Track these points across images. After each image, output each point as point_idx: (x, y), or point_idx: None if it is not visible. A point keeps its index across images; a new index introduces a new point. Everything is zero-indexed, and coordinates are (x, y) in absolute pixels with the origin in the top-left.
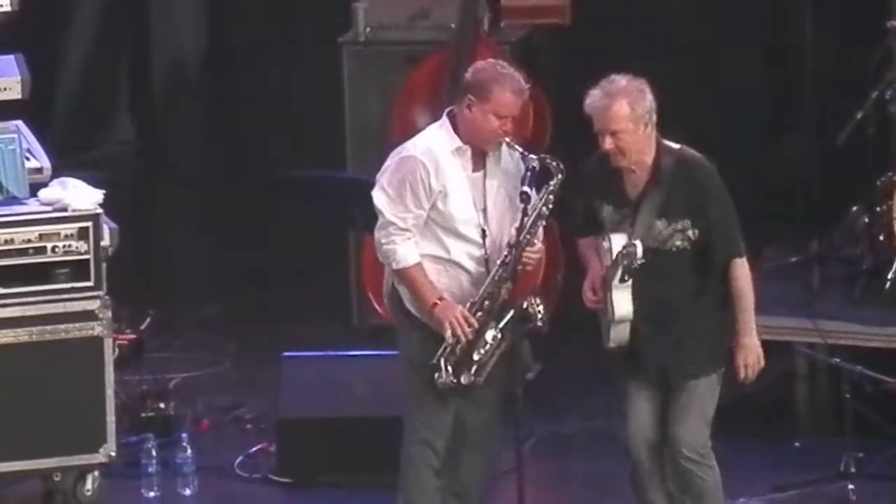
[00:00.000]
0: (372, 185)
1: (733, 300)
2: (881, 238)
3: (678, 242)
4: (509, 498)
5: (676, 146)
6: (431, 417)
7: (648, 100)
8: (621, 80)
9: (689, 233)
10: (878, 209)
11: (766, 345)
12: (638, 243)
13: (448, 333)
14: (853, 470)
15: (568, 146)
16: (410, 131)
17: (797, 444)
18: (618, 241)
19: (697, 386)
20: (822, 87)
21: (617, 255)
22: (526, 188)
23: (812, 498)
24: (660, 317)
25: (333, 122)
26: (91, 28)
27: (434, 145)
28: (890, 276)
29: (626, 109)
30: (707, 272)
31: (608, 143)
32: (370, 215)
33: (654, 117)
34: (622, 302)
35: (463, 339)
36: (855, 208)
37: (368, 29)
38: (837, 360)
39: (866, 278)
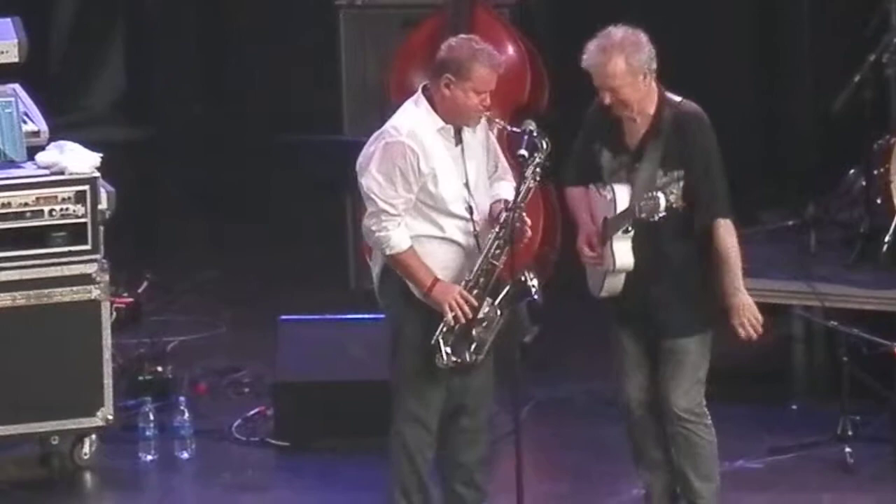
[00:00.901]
0: None
1: (720, 262)
2: (878, 201)
3: (671, 197)
4: (508, 462)
5: (678, 99)
6: (426, 396)
7: (646, 51)
8: (616, 34)
9: (681, 184)
10: (874, 172)
11: (762, 308)
12: (661, 195)
13: (449, 314)
14: (850, 433)
15: (565, 108)
16: (408, 95)
17: (794, 407)
18: (622, 192)
19: (687, 345)
20: (819, 50)
21: (632, 206)
22: (523, 151)
23: (809, 460)
24: (652, 274)
25: (330, 85)
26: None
27: (417, 127)
28: (887, 239)
29: (621, 65)
30: (700, 232)
31: (608, 98)
32: None
33: (654, 65)
34: (624, 252)
35: (462, 319)
36: (852, 171)
37: None
38: (834, 322)
39: (863, 241)
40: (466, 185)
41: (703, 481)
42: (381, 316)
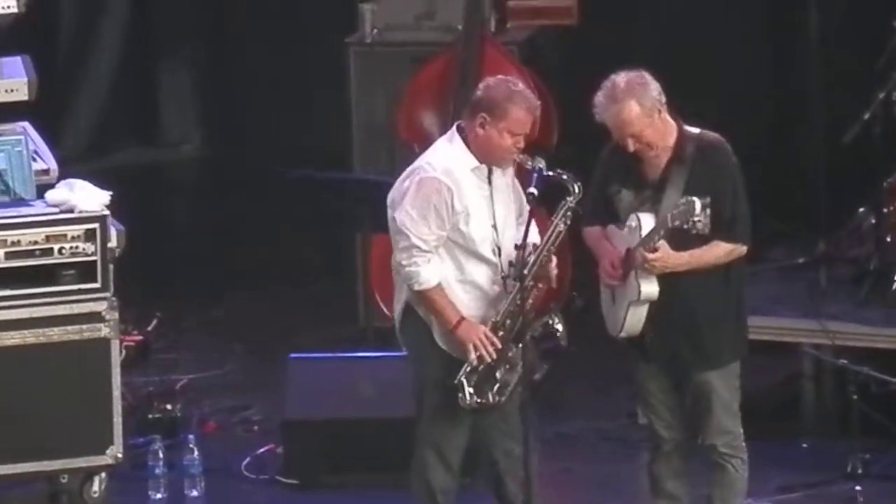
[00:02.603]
0: (379, 185)
1: (702, 250)
2: (888, 239)
3: (699, 224)
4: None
5: (697, 130)
6: (448, 435)
7: (653, 88)
8: (620, 81)
9: (708, 210)
10: (884, 210)
11: (772, 346)
12: (695, 199)
13: (472, 355)
14: (860, 471)
15: (575, 146)
16: (417, 132)
17: (804, 445)
18: (646, 219)
19: (716, 379)
20: (829, 87)
21: (662, 217)
22: (533, 189)
23: (818, 499)
24: (677, 304)
25: (340, 122)
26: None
27: (452, 165)
28: None
29: (636, 110)
30: (721, 268)
31: (633, 146)
32: (376, 216)
33: (664, 99)
34: (648, 281)
35: (487, 359)
36: (862, 209)
37: (375, 30)
38: (844, 360)
39: (873, 279)
40: (494, 226)
41: None
42: (391, 354)
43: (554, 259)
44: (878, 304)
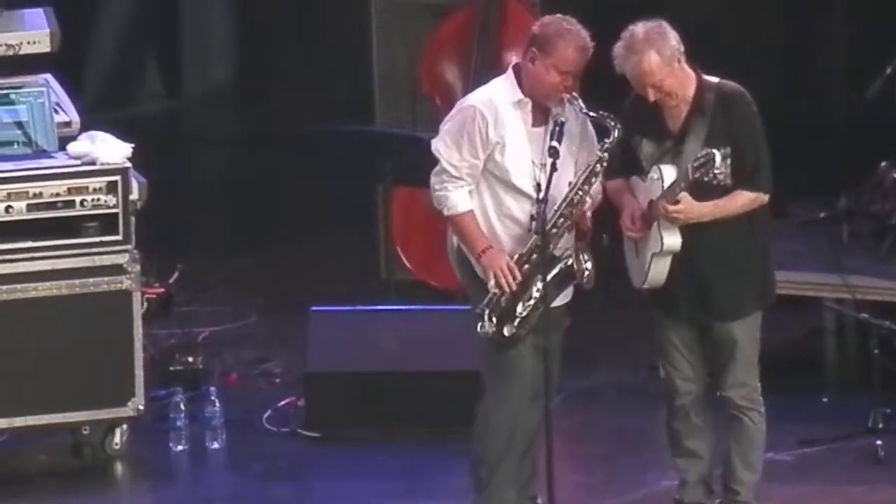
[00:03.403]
0: (400, 137)
1: (724, 199)
2: None
3: (720, 175)
4: (538, 452)
5: (716, 80)
6: (509, 374)
7: (671, 37)
8: (639, 31)
9: (729, 160)
10: None
11: (794, 300)
12: (715, 151)
13: (491, 282)
14: (881, 425)
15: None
16: (439, 86)
17: (825, 400)
18: (668, 171)
19: (739, 329)
20: (851, 41)
21: (683, 170)
22: (554, 143)
23: (840, 453)
24: (694, 253)
25: (362, 76)
26: None
27: (495, 96)
28: None
29: (655, 59)
30: (745, 216)
31: (654, 95)
32: (398, 168)
33: (682, 48)
34: (671, 232)
35: (507, 289)
36: (883, 164)
37: None
38: (866, 315)
39: (894, 234)
40: (542, 166)
41: (747, 470)
42: (413, 307)
43: (589, 199)
44: None
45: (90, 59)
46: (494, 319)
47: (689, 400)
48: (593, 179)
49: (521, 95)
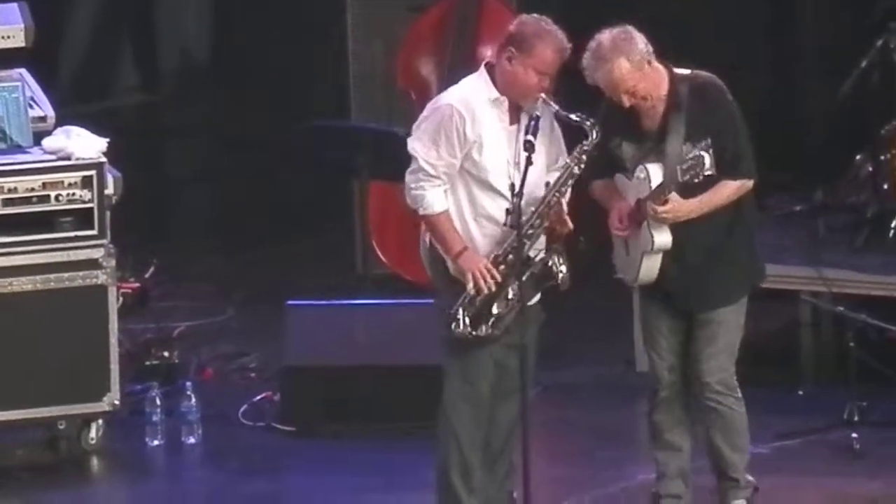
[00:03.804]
0: (376, 132)
1: (709, 193)
2: (885, 187)
3: (706, 172)
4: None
5: (688, 71)
6: (472, 374)
7: (638, 41)
8: (605, 40)
9: (711, 151)
10: (882, 158)
11: (770, 293)
12: (704, 154)
13: (470, 284)
14: (857, 418)
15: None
16: (414, 80)
17: (801, 393)
18: (655, 169)
19: (724, 315)
20: (827, 36)
21: (672, 171)
22: (530, 136)
23: (816, 446)
24: (685, 247)
25: (338, 70)
26: None
27: (471, 94)
28: (894, 224)
29: (625, 66)
30: (732, 203)
31: (627, 101)
32: (374, 163)
33: (651, 49)
34: (661, 230)
35: (485, 290)
36: (859, 157)
37: None
38: (841, 308)
39: (870, 227)
40: (517, 164)
41: (735, 452)
42: (389, 301)
43: (565, 202)
44: (875, 251)
45: (65, 52)
46: (469, 320)
47: (673, 392)
48: (570, 181)
49: (497, 94)
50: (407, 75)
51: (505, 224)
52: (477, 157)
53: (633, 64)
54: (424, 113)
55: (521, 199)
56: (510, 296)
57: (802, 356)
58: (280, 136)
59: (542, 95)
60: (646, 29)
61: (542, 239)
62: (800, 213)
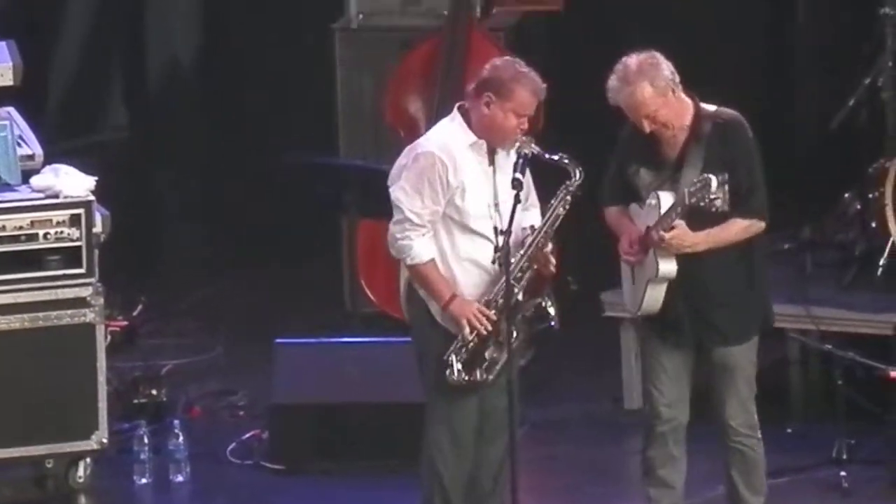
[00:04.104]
0: (364, 170)
1: (721, 227)
2: (873, 224)
3: (717, 202)
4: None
5: (713, 107)
6: (458, 411)
7: (664, 68)
8: (632, 63)
9: (726, 187)
10: (869, 196)
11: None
12: (711, 176)
13: (466, 330)
14: (845, 456)
15: (562, 132)
16: (403, 117)
17: (789, 430)
18: (666, 197)
19: (738, 353)
20: (816, 73)
21: (680, 194)
22: (518, 175)
23: (804, 484)
24: (696, 282)
25: (326, 107)
26: (86, 14)
27: (450, 140)
28: (881, 262)
29: (648, 90)
30: (743, 243)
31: (648, 126)
32: (362, 201)
33: (677, 78)
34: (667, 259)
35: (483, 331)
36: (847, 194)
37: (361, 15)
38: (829, 346)
39: (858, 264)
40: (497, 206)
41: (754, 494)
42: (377, 339)
43: (550, 244)
44: (863, 289)
45: (53, 88)
46: (462, 366)
47: (670, 428)
48: (557, 223)
49: (475, 138)
50: (395, 112)
51: (493, 262)
52: (459, 203)
53: (657, 89)
54: (402, 161)
55: (509, 236)
56: (503, 339)
57: (791, 394)
58: (268, 172)
59: (523, 137)
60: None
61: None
62: (787, 251)
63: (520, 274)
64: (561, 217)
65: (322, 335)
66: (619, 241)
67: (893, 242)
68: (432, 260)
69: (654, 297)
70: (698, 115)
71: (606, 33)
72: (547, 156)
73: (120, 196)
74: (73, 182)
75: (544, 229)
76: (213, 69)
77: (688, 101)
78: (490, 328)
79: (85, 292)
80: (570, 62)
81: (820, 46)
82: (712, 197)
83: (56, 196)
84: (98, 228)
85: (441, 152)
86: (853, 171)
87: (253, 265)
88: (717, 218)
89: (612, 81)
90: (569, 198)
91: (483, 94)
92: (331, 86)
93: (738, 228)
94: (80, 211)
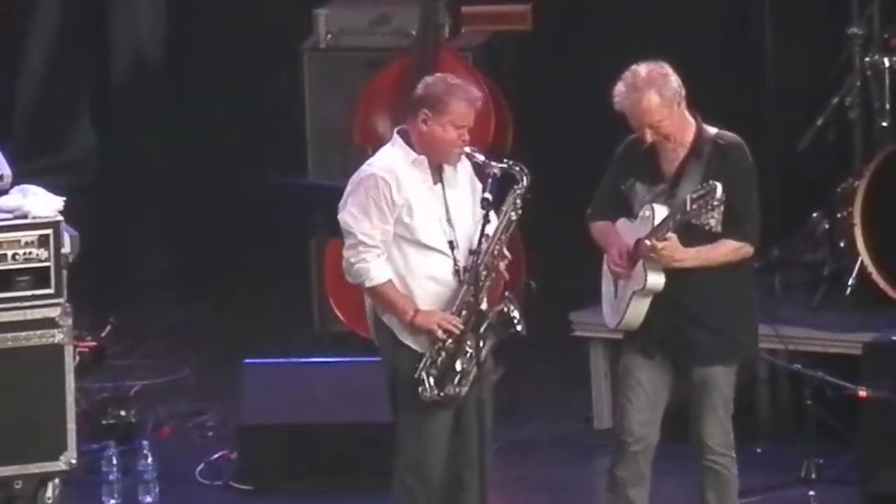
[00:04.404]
0: (333, 190)
1: (709, 246)
2: (841, 244)
3: (712, 221)
4: None
5: (714, 130)
6: (427, 439)
7: (673, 80)
8: (641, 70)
9: (722, 208)
10: (838, 215)
11: None
12: (717, 183)
13: (439, 333)
14: (814, 475)
15: (530, 150)
16: (372, 137)
17: (758, 450)
18: (661, 210)
19: (718, 375)
20: (783, 93)
21: (681, 201)
22: (487, 194)
23: (773, 503)
24: (680, 299)
25: (295, 128)
26: (51, 35)
27: (391, 161)
28: (850, 282)
29: (655, 99)
30: (730, 268)
31: (650, 136)
32: (331, 221)
33: (684, 92)
34: (655, 272)
35: (456, 331)
36: (815, 214)
37: (329, 35)
38: (798, 365)
39: (827, 284)
40: (449, 221)
41: None
42: (346, 359)
43: (506, 251)
44: (832, 309)
45: (19, 109)
46: (434, 381)
47: (643, 447)
48: (510, 229)
49: (415, 155)
50: (364, 132)
51: (461, 282)
52: (408, 220)
53: (664, 99)
54: (348, 188)
55: (478, 257)
56: (471, 349)
57: (760, 413)
58: (237, 192)
59: (466, 149)
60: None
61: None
62: (756, 270)
63: (480, 283)
64: (514, 223)
65: (291, 355)
66: (604, 255)
67: (862, 262)
68: (390, 280)
69: (637, 310)
70: (700, 133)
71: (574, 53)
72: (493, 163)
73: (88, 216)
74: (42, 202)
75: (497, 236)
76: (181, 89)
77: (690, 118)
78: (461, 328)
79: (53, 313)
80: (539, 82)
81: (788, 66)
82: (715, 203)
83: (24, 216)
84: (66, 249)
85: (382, 172)
86: (821, 190)
87: (222, 285)
88: (708, 238)
89: (620, 87)
90: (519, 202)
91: (419, 112)
92: (300, 106)
93: (728, 249)
94: (49, 231)
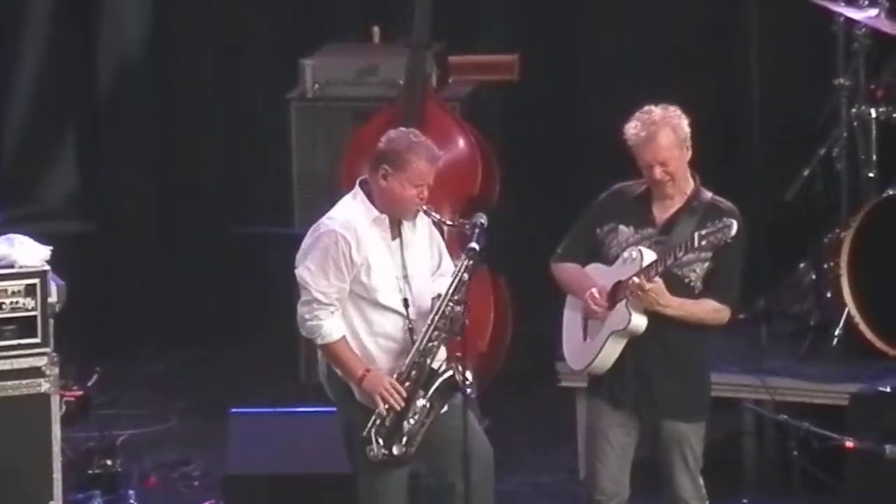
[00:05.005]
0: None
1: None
2: (828, 295)
3: (692, 275)
4: None
5: (710, 194)
6: (381, 493)
7: (685, 125)
8: (656, 110)
9: (706, 265)
10: (824, 266)
11: (713, 402)
12: (732, 220)
13: (381, 405)
14: None
15: (517, 200)
16: None
17: (745, 501)
18: (648, 254)
19: (688, 430)
20: (770, 144)
21: (689, 238)
22: (474, 244)
23: None
24: (652, 348)
25: (281, 178)
26: (36, 83)
27: (352, 217)
28: (836, 332)
29: (671, 137)
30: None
31: (658, 173)
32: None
33: (689, 142)
34: (640, 313)
35: (396, 406)
36: (802, 265)
37: (316, 85)
38: (784, 416)
39: (813, 335)
40: (406, 278)
41: None
42: (332, 409)
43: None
44: (818, 359)
45: (5, 155)
46: (382, 441)
47: (607, 494)
48: (462, 288)
49: (376, 213)
50: (350, 181)
51: (404, 344)
52: (365, 280)
53: (677, 139)
54: (307, 241)
55: (446, 304)
56: (419, 410)
57: (745, 464)
58: (224, 242)
59: (423, 207)
60: None
61: (442, 350)
62: (742, 321)
63: (430, 344)
64: (466, 283)
65: (277, 405)
66: (577, 291)
67: (848, 313)
68: (343, 338)
69: (611, 352)
70: (697, 192)
71: (561, 104)
72: (448, 222)
73: (74, 265)
74: (29, 252)
75: (449, 295)
76: (168, 138)
77: (690, 178)
78: (402, 404)
79: (40, 362)
80: (526, 132)
81: (774, 117)
82: (728, 241)
83: (11, 266)
84: (53, 298)
85: (343, 230)
86: (808, 241)
87: (208, 336)
88: (686, 292)
89: (635, 123)
90: (470, 262)
91: (380, 167)
92: (286, 155)
93: (710, 308)
94: (36, 281)
